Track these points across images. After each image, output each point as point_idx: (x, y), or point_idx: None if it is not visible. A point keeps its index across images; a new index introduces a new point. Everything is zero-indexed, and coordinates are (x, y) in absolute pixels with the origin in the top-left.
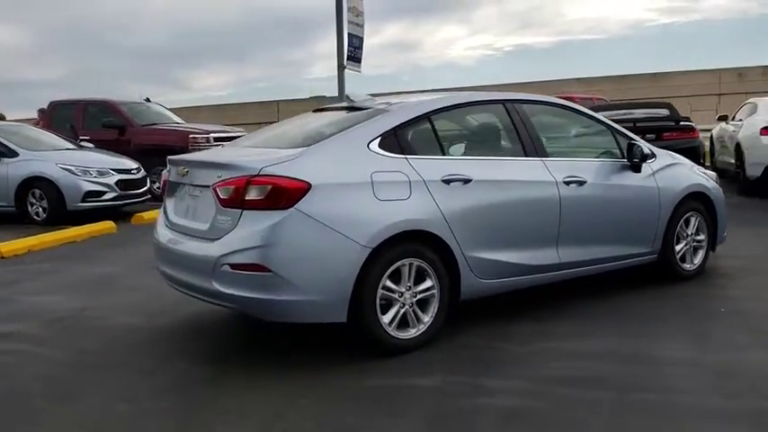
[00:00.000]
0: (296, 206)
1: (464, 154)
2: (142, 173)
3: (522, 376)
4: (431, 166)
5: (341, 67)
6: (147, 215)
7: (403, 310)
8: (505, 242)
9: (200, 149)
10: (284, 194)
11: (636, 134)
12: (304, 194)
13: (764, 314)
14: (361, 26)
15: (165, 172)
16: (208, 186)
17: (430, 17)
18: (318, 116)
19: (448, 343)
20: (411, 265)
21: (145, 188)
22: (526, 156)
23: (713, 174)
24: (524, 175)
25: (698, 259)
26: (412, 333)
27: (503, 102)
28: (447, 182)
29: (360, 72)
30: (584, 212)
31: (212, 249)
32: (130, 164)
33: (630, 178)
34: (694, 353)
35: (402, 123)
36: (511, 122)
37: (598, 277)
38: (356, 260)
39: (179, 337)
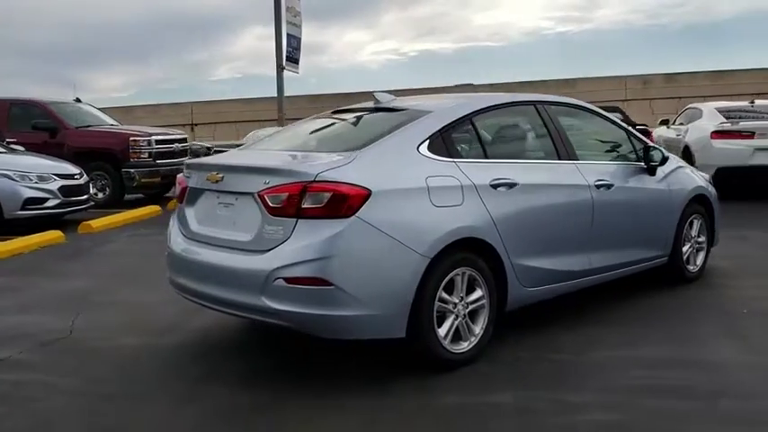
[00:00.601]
0: (357, 214)
1: (504, 157)
2: (85, 178)
3: (598, 389)
4: (478, 170)
5: (279, 68)
6: (95, 224)
7: (456, 323)
8: (547, 248)
9: (141, 153)
10: (345, 202)
11: None
12: (365, 201)
13: None
14: (299, 26)
15: (181, 177)
16: (249, 193)
17: (336, 21)
18: (346, 118)
19: (497, 356)
20: (464, 274)
21: (87, 195)
22: (559, 159)
23: (707, 176)
24: (562, 179)
25: (699, 261)
26: (464, 346)
27: (534, 103)
28: (495, 186)
29: (298, 73)
30: (612, 216)
31: (262, 262)
32: (72, 168)
33: (647, 181)
34: (752, 356)
35: (448, 125)
36: (543, 124)
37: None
38: (416, 270)
39: (201, 356)
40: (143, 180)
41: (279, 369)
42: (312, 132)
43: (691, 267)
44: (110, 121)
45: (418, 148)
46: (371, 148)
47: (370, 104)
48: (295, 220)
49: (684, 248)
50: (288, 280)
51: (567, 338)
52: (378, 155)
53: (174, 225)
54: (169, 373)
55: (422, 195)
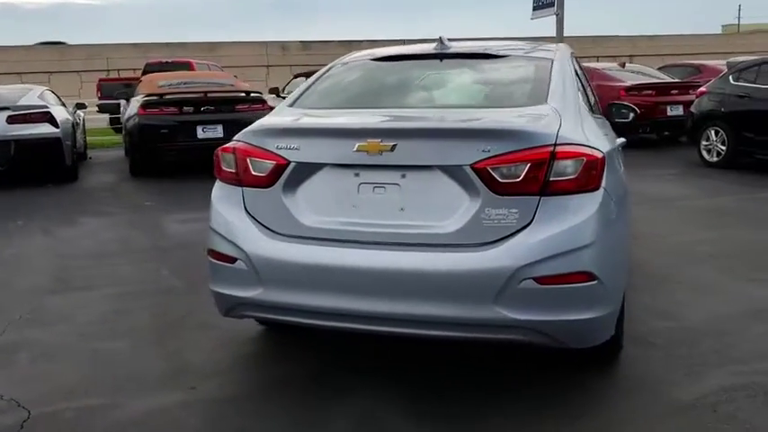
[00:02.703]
0: (603, 185)
1: (597, 112)
2: None
3: None
4: (606, 127)
5: None
6: None
7: None
8: None
9: None
10: (596, 170)
11: (208, 106)
12: (604, 168)
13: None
14: None
15: (257, 149)
16: (445, 167)
17: None
18: (427, 65)
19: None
20: None
21: None
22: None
23: None
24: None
25: None
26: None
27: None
28: (618, 147)
29: None
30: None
31: (493, 260)
32: None
33: None
34: None
35: (575, 73)
36: (586, 79)
37: None
38: (629, 249)
39: (295, 398)
40: None
41: (441, 398)
42: (402, 85)
43: None
44: None
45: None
46: (558, 102)
47: (421, 50)
48: (537, 198)
49: None
50: (540, 279)
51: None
52: (572, 110)
53: (240, 220)
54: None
55: (615, 157)
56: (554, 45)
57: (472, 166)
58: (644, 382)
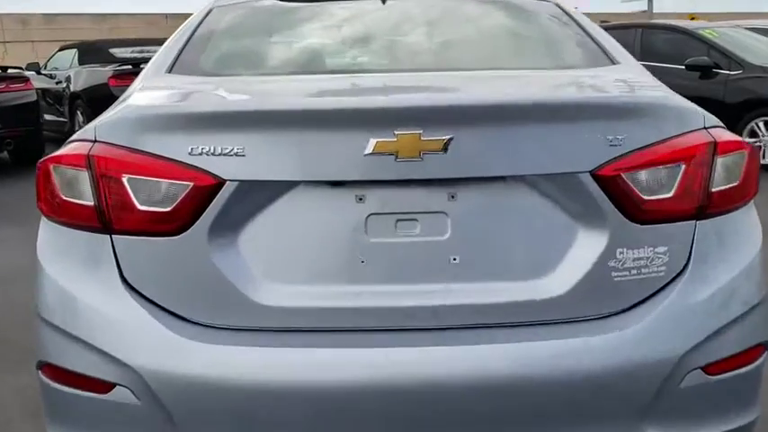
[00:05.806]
0: None
1: None
2: None
3: None
4: None
5: None
6: None
7: None
8: None
9: None
10: (755, 169)
11: None
12: None
13: None
14: None
15: (110, 150)
16: (535, 178)
17: None
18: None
19: None
20: None
21: None
22: None
23: None
24: None
25: None
26: None
27: None
28: None
29: None
30: None
31: (637, 343)
32: None
33: None
34: None
35: None
36: None
37: None
38: None
39: None
40: None
41: None
42: (373, 36)
43: None
44: None
45: None
46: (632, 62)
47: None
48: (693, 224)
49: None
50: (711, 368)
51: None
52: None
53: (116, 302)
54: None
55: None
56: None
57: (594, 174)
58: None
